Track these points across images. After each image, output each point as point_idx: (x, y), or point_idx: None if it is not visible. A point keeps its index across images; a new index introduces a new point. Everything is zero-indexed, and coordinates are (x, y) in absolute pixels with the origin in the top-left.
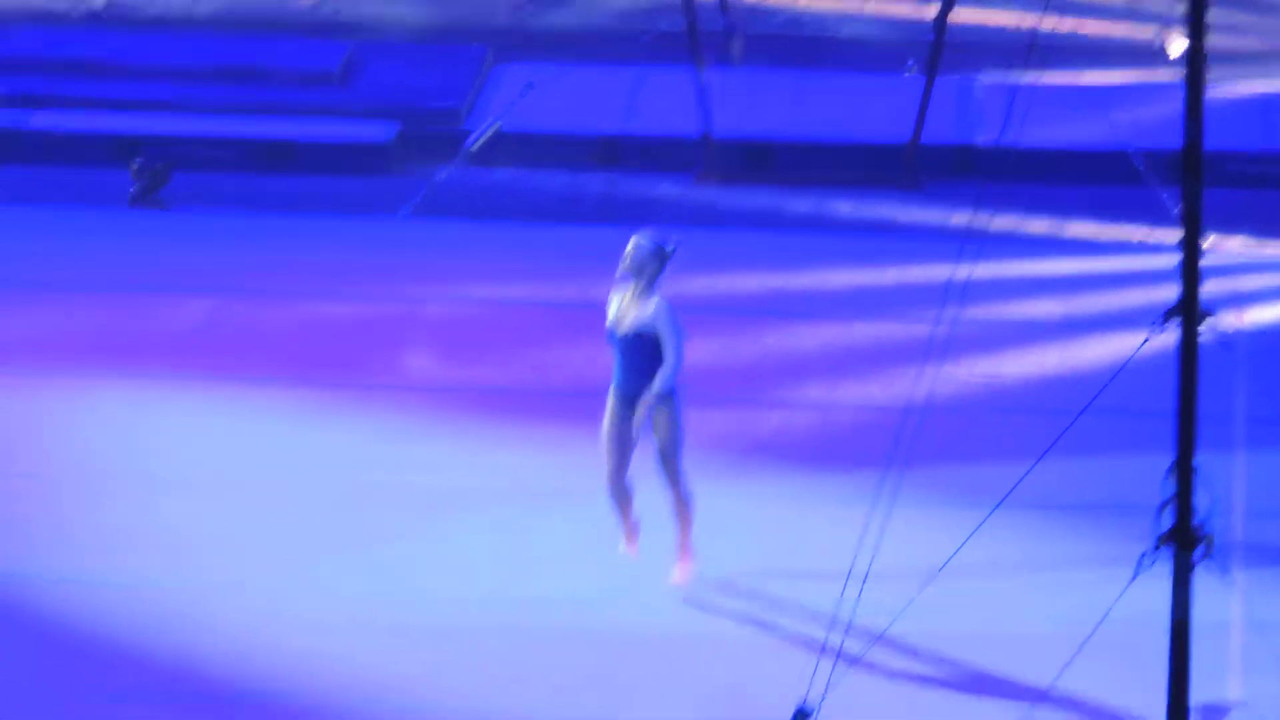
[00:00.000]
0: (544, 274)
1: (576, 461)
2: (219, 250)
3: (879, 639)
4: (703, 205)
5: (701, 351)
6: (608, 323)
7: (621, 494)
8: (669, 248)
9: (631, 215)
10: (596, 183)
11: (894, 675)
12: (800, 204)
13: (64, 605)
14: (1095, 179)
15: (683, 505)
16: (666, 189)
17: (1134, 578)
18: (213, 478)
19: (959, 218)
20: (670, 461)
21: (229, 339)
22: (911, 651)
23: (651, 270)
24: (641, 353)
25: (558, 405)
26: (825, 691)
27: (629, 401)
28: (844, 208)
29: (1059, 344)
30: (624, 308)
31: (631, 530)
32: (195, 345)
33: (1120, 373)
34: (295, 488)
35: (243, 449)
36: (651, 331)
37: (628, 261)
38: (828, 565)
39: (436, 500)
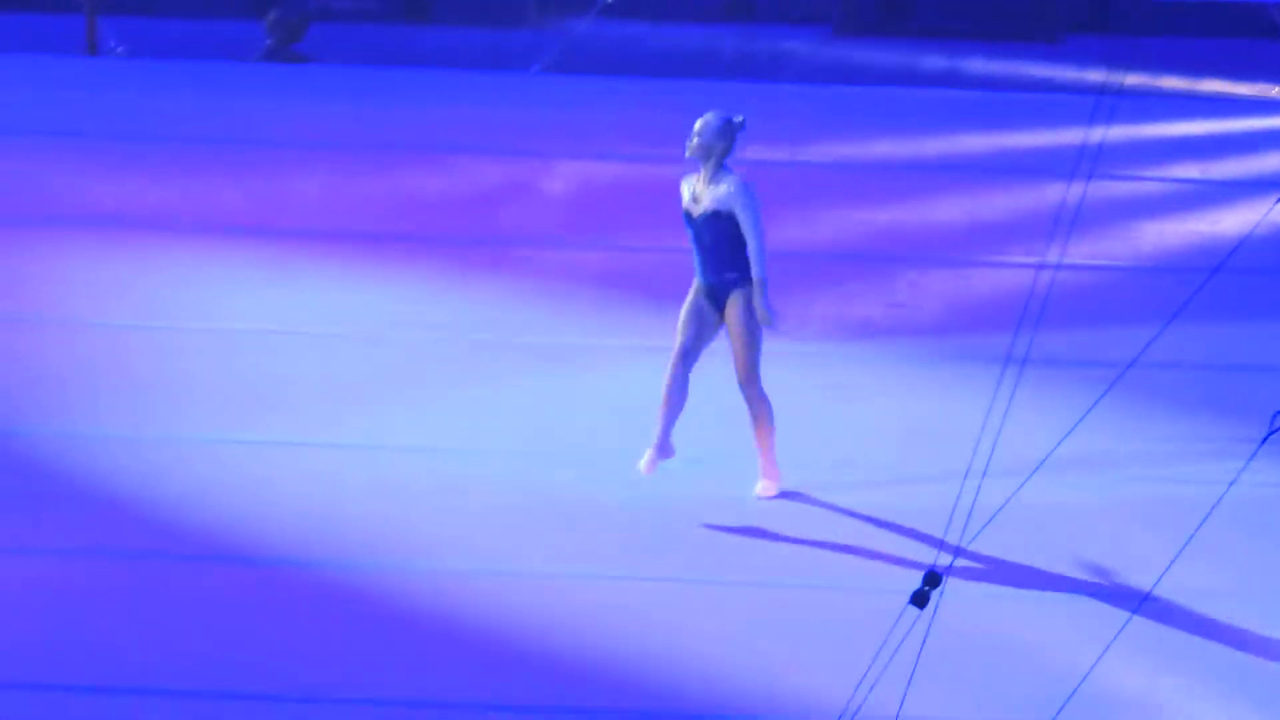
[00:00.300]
0: (678, 130)
1: None
2: (353, 105)
3: (1006, 504)
4: (837, 60)
5: (835, 209)
6: (682, 207)
7: (676, 391)
8: (736, 120)
9: (767, 69)
10: (732, 36)
11: (1020, 540)
12: (935, 60)
13: (130, 461)
14: (1231, 32)
15: (760, 412)
16: (802, 42)
17: (1266, 437)
18: (322, 334)
19: (1094, 74)
20: (743, 358)
21: (362, 195)
22: (1038, 518)
23: (721, 148)
24: (720, 235)
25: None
26: (955, 554)
27: (709, 291)
28: (977, 64)
29: (1193, 203)
30: (697, 191)
31: (660, 447)
32: (327, 201)
33: (1253, 232)
34: (400, 346)
35: (361, 305)
36: (728, 210)
37: (694, 143)
38: (958, 427)
39: (544, 360)
